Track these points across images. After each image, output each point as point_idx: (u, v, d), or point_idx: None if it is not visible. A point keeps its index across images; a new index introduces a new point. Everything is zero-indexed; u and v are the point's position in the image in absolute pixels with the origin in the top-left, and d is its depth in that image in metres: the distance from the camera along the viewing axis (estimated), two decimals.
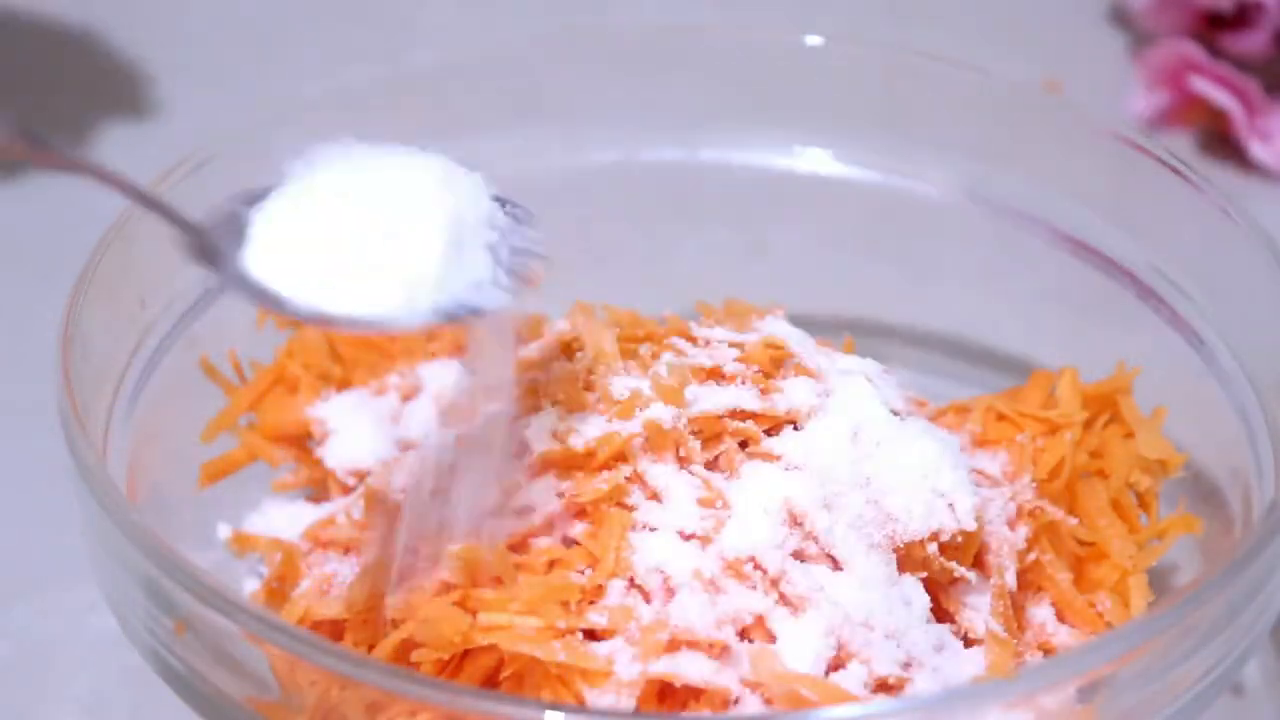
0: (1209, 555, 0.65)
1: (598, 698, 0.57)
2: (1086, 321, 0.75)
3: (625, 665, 0.58)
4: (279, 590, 0.65)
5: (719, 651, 0.58)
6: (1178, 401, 0.69)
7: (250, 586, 0.67)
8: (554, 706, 0.56)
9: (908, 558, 0.62)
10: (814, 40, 0.78)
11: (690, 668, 0.58)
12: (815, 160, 0.79)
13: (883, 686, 0.58)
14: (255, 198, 0.59)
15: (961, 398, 0.73)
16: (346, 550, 0.66)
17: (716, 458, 0.63)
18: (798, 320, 0.76)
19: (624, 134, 0.76)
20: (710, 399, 0.63)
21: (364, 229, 0.57)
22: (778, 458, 0.63)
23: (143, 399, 0.67)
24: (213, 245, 0.58)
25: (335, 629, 0.62)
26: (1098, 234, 0.74)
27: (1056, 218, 0.75)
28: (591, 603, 0.60)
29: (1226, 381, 0.68)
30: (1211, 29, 1.00)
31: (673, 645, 0.58)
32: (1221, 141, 0.98)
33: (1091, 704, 0.54)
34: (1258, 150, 0.96)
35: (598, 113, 0.76)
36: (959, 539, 0.62)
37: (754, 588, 0.59)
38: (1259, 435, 0.65)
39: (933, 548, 0.62)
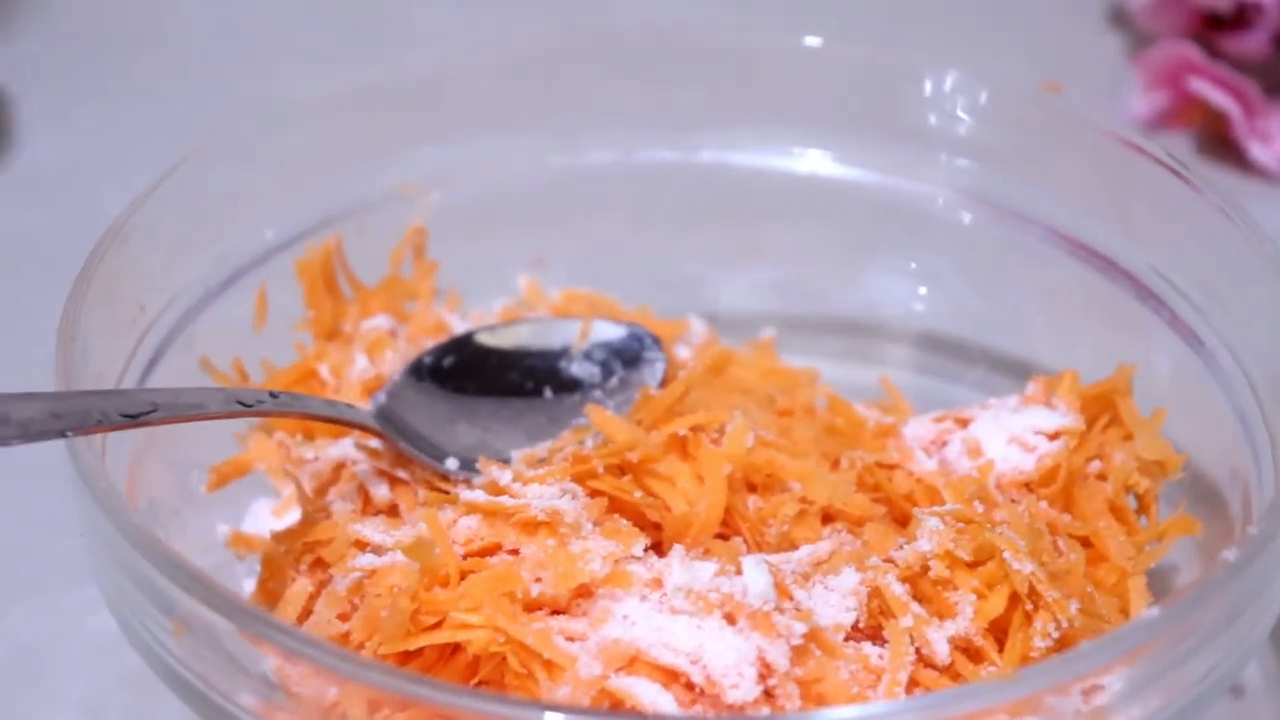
0: (1208, 556, 0.65)
1: (553, 691, 0.58)
2: (1085, 323, 0.75)
3: (587, 664, 0.58)
4: (273, 591, 0.65)
5: (674, 681, 0.58)
6: (1177, 403, 0.69)
7: (249, 587, 0.67)
8: (554, 708, 0.56)
9: None
10: (812, 41, 0.78)
11: (643, 691, 0.58)
12: (814, 161, 0.78)
13: None
14: None
15: (959, 399, 0.73)
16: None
17: None
18: (796, 322, 0.77)
19: (622, 135, 0.76)
20: None
21: None
22: None
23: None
24: None
25: None
26: (1097, 235, 0.74)
27: (1056, 219, 0.75)
28: (563, 612, 0.60)
29: (1226, 383, 0.68)
30: (1210, 30, 1.00)
31: (633, 664, 0.58)
32: (1220, 143, 0.98)
33: (1092, 705, 0.54)
34: (1256, 151, 0.96)
35: (596, 113, 0.76)
36: None
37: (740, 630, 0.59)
38: (1258, 436, 0.65)
39: None
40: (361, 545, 0.63)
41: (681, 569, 0.61)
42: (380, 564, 0.61)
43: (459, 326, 0.75)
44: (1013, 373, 0.76)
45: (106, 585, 0.60)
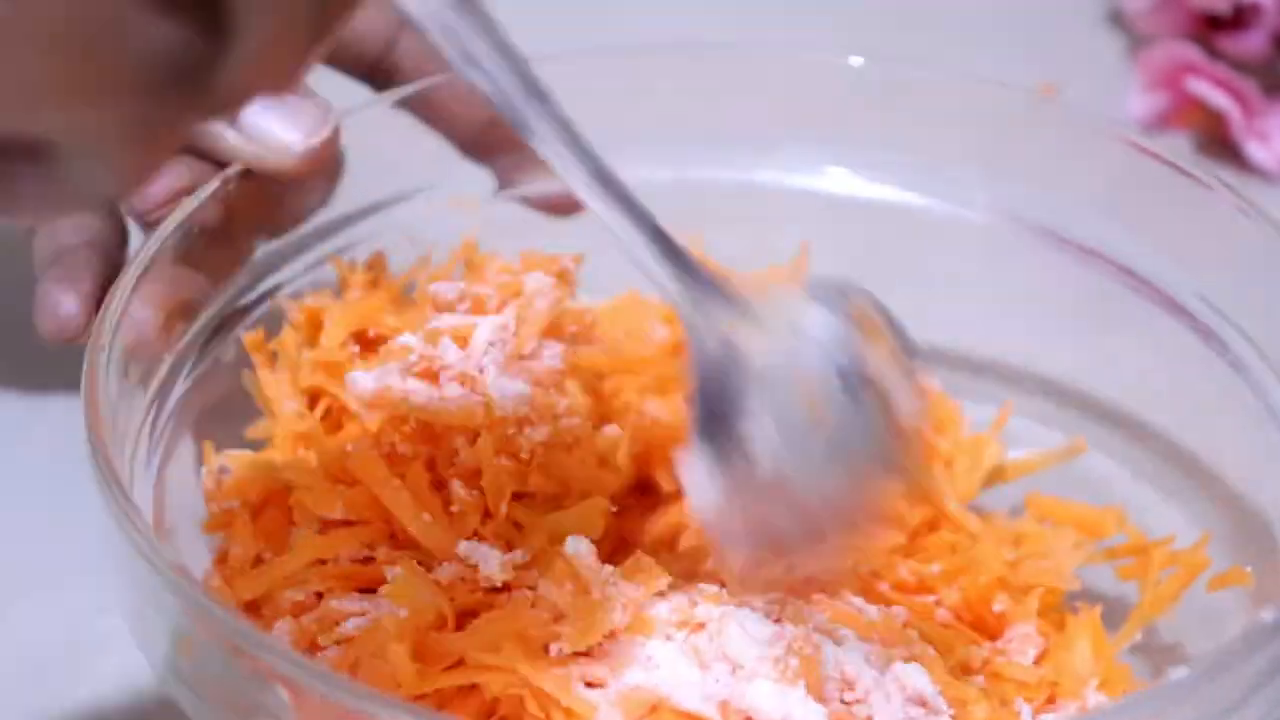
0: (1259, 598, 0.64)
1: None
2: (1123, 344, 0.74)
3: (607, 713, 0.57)
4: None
5: None
6: (1222, 432, 0.69)
7: None
8: None
9: None
10: (856, 60, 0.77)
11: None
12: (833, 179, 0.78)
13: None
14: None
15: (982, 418, 0.73)
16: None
17: None
18: None
19: (649, 152, 0.75)
20: None
21: None
22: None
23: (169, 427, 0.66)
24: None
25: None
26: (1124, 249, 0.73)
27: (1078, 231, 0.74)
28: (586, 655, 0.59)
29: (1261, 394, 0.67)
30: (1209, 30, 1.00)
31: (656, 712, 0.57)
32: (1219, 143, 0.97)
33: None
34: (1255, 152, 0.96)
35: (620, 131, 0.75)
36: None
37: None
38: None
39: None
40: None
41: (740, 634, 0.59)
42: (365, 625, 0.60)
43: None
44: (1031, 388, 0.76)
45: (130, 614, 0.59)
